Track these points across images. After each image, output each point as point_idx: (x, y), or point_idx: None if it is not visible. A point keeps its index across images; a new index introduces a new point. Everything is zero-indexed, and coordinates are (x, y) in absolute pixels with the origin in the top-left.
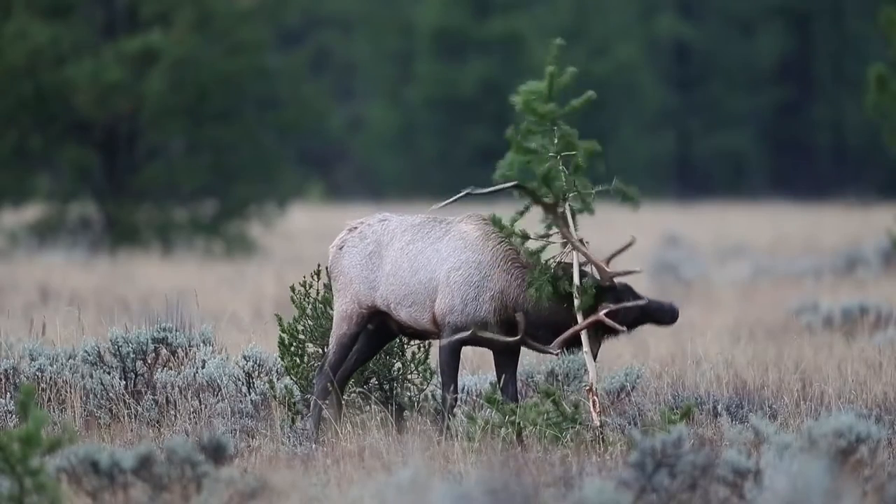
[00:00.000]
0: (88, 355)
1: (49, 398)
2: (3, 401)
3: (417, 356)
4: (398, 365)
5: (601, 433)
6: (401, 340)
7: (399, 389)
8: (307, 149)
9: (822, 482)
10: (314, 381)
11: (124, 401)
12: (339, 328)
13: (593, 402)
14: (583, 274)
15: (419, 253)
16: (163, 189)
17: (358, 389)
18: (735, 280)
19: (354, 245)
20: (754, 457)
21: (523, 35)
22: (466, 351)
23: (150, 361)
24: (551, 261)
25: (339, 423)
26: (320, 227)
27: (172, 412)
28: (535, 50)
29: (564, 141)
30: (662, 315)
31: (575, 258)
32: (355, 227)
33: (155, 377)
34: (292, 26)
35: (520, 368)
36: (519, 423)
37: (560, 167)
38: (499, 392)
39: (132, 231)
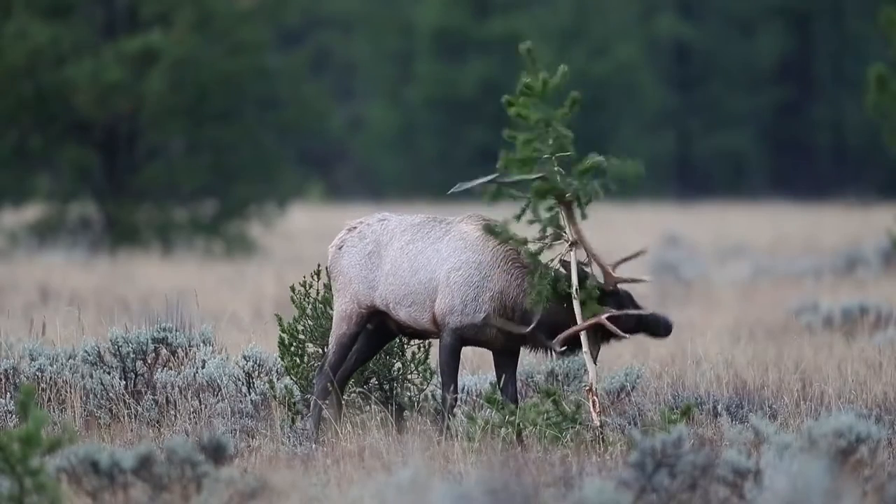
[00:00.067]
0: (88, 355)
1: (49, 398)
2: (3, 401)
3: (417, 356)
4: (398, 365)
5: (601, 433)
6: (401, 340)
7: (399, 389)
8: (307, 149)
9: (822, 482)
10: (314, 381)
11: (124, 401)
12: (338, 328)
13: (593, 402)
14: (585, 276)
15: (419, 253)
16: (163, 189)
17: (358, 389)
18: (735, 280)
19: (354, 245)
20: (754, 457)
21: (523, 35)
22: (466, 351)
23: (150, 361)
24: (553, 262)
25: (339, 423)
26: (320, 227)
27: (172, 412)
28: (536, 50)
29: (559, 143)
30: (657, 328)
31: (573, 258)
32: (354, 227)
33: (155, 377)
34: (292, 26)
35: (520, 368)
36: (519, 423)
37: (556, 168)
38: (499, 392)
39: (132, 231)
